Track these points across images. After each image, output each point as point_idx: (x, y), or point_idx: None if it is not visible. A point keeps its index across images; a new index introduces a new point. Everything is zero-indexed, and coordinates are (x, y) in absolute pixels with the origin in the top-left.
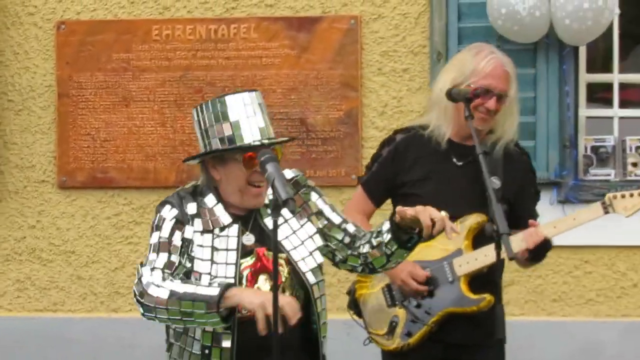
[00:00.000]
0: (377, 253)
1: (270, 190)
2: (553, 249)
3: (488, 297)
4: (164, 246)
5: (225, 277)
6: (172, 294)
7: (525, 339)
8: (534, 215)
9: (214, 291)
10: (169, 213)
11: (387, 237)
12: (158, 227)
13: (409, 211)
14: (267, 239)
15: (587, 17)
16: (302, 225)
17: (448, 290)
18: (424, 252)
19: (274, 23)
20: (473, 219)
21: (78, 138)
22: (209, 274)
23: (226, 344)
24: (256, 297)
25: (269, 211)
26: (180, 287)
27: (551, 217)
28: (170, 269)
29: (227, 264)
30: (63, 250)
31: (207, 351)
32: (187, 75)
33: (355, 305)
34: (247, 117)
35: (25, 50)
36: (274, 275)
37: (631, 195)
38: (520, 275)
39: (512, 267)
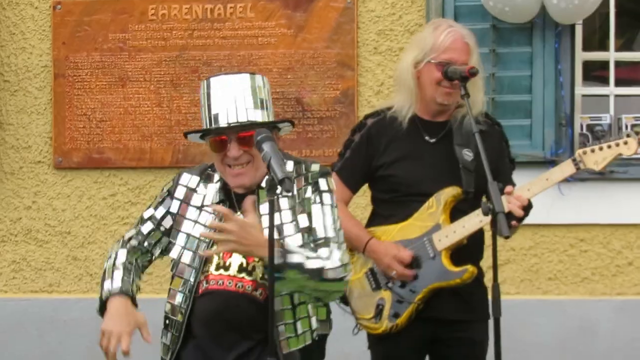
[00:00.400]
0: None
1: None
2: (548, 228)
3: (470, 267)
4: (141, 219)
5: (197, 252)
6: (107, 260)
7: (521, 317)
8: (511, 182)
9: (104, 296)
10: (165, 190)
11: None
12: (156, 199)
13: None
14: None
15: None
16: (292, 221)
17: (431, 266)
18: (404, 230)
19: (271, 2)
20: (448, 193)
21: (74, 118)
22: (184, 246)
23: (179, 317)
24: (112, 322)
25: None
26: (108, 264)
27: (546, 199)
28: (138, 236)
29: (200, 239)
30: (59, 231)
31: (167, 322)
32: (183, 55)
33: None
34: (230, 99)
35: (22, 30)
36: (269, 261)
37: (600, 148)
38: (516, 254)
39: (507, 246)
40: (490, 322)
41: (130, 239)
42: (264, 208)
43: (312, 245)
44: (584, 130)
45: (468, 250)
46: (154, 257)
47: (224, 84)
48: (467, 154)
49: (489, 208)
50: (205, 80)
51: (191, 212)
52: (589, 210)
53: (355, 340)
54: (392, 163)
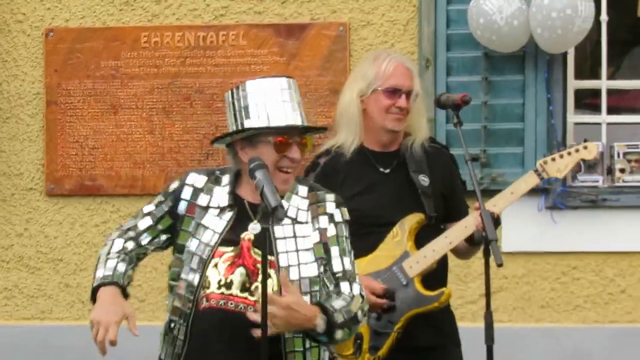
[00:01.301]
0: None
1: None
2: (540, 255)
3: (446, 290)
4: (141, 213)
5: (200, 257)
6: (103, 246)
7: (514, 345)
8: (464, 204)
9: (95, 282)
10: (171, 188)
11: None
12: (160, 196)
13: None
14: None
15: (555, 25)
16: (304, 235)
17: (405, 294)
18: (372, 263)
19: (263, 30)
20: (411, 220)
21: (66, 145)
22: (188, 249)
23: (181, 335)
24: (101, 312)
25: (285, 220)
26: (103, 251)
27: (539, 226)
28: (135, 229)
29: (207, 244)
30: (51, 258)
31: (172, 325)
32: (175, 82)
33: None
34: (282, 101)
35: (14, 57)
36: (262, 282)
37: (561, 156)
38: (508, 282)
39: (500, 274)
40: (481, 350)
41: (128, 230)
42: (278, 231)
43: (328, 275)
44: None
45: (436, 275)
46: (148, 252)
47: (278, 85)
48: (424, 180)
49: (482, 236)
50: (247, 82)
51: (197, 212)
52: (581, 238)
53: None
54: (352, 198)
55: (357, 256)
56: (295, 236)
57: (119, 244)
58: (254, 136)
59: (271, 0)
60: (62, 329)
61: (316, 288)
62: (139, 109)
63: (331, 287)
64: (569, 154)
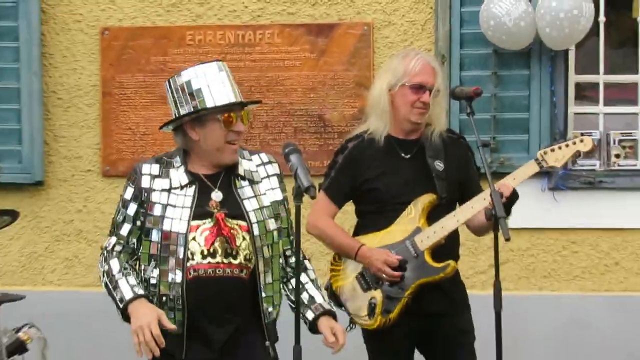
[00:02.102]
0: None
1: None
2: (543, 231)
3: (452, 263)
4: (116, 224)
5: (178, 233)
6: (103, 274)
7: (519, 311)
8: (479, 188)
9: (121, 302)
10: (128, 190)
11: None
12: (123, 202)
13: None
14: (233, 202)
15: (563, 25)
16: (266, 192)
17: (415, 264)
18: (387, 237)
19: (295, 29)
20: (424, 199)
21: (120, 132)
22: (161, 228)
23: (178, 306)
24: (138, 320)
25: (243, 182)
26: (107, 278)
27: (542, 205)
28: (120, 241)
29: (180, 219)
30: (107, 232)
31: (164, 299)
32: None
33: (334, 297)
34: (222, 82)
35: (73, 53)
36: (295, 264)
37: (559, 147)
38: (514, 254)
39: (507, 247)
40: (490, 315)
41: (113, 247)
42: (243, 192)
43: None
44: None
45: (446, 249)
46: (138, 252)
47: (216, 69)
48: (439, 165)
49: (492, 213)
50: (183, 72)
51: (161, 196)
52: (579, 216)
53: (351, 337)
54: (375, 178)
55: (376, 229)
56: (255, 195)
57: (115, 263)
58: (202, 116)
59: (303, 2)
60: None
61: (277, 240)
62: None
63: (287, 244)
64: (567, 146)
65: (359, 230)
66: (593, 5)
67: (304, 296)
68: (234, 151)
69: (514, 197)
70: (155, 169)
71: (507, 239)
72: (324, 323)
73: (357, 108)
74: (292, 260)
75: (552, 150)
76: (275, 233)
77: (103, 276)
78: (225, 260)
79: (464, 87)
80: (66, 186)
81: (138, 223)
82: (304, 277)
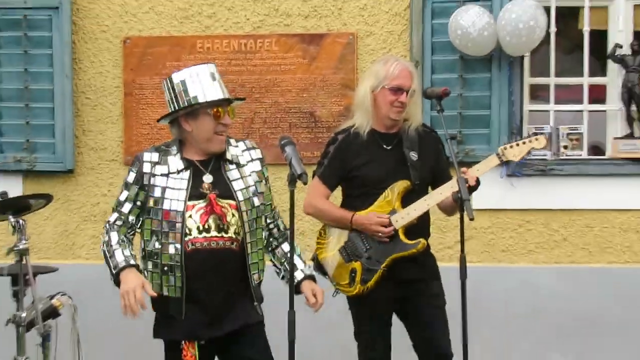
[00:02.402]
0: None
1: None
2: (502, 212)
3: (422, 240)
4: (119, 203)
5: (177, 211)
6: (104, 243)
7: (481, 280)
8: (449, 176)
9: (114, 269)
10: (131, 174)
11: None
12: (125, 184)
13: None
14: (223, 183)
15: (522, 34)
16: (250, 173)
17: (391, 241)
18: None
19: (290, 38)
20: (400, 185)
21: (139, 127)
22: (161, 208)
23: (177, 274)
24: (125, 285)
25: (230, 166)
26: (105, 247)
27: (501, 189)
28: (121, 217)
29: (178, 200)
30: None
31: (165, 268)
32: (223, 78)
33: (319, 267)
34: (212, 81)
35: (99, 59)
36: (290, 240)
37: (517, 144)
38: (477, 232)
39: (470, 226)
40: (456, 283)
41: (115, 221)
42: (231, 174)
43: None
44: None
45: (418, 228)
46: (136, 229)
47: (206, 70)
48: (414, 155)
49: (458, 197)
50: (178, 72)
51: (160, 180)
52: (533, 199)
53: (337, 303)
54: (361, 166)
55: (358, 209)
56: (241, 177)
57: (114, 236)
58: (195, 110)
59: (297, 15)
60: None
61: (260, 214)
62: None
63: (270, 218)
64: (524, 143)
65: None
66: (546, 17)
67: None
68: (221, 141)
69: (477, 185)
70: (155, 156)
71: (471, 219)
72: (306, 285)
73: (343, 106)
74: (275, 230)
75: (511, 146)
76: (259, 208)
77: (103, 245)
78: (218, 235)
79: (434, 88)
80: (93, 174)
81: (138, 203)
82: (286, 246)
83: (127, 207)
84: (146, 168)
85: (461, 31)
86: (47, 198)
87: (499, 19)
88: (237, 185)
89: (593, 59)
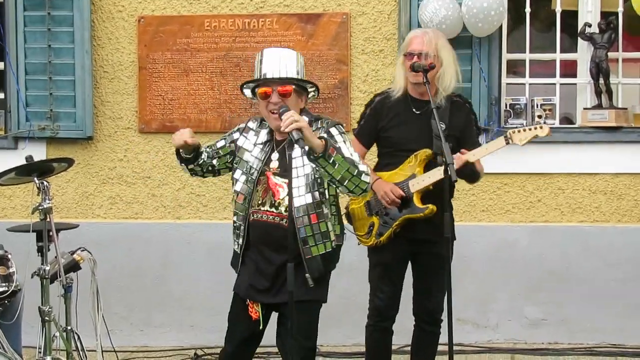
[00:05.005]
0: None
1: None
2: (484, 175)
3: (431, 206)
4: (218, 140)
5: (247, 181)
6: None
7: (464, 238)
8: (477, 144)
9: None
10: (234, 133)
11: None
12: (227, 134)
13: None
14: (284, 162)
15: (478, 19)
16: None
17: (406, 204)
18: (392, 177)
19: (290, 18)
20: (423, 153)
21: (152, 98)
22: (244, 170)
23: (242, 233)
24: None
25: (294, 147)
26: None
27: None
28: (211, 147)
29: (251, 171)
30: (142, 176)
31: (237, 231)
32: (229, 54)
33: (348, 216)
34: (277, 62)
35: (116, 36)
36: (289, 198)
37: (524, 130)
38: (459, 194)
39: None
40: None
41: (208, 147)
42: (295, 152)
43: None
44: (508, 108)
45: (433, 194)
46: (212, 163)
47: (275, 52)
48: (441, 125)
49: (443, 160)
50: (260, 52)
51: (249, 145)
52: (510, 163)
53: (358, 252)
54: (391, 127)
55: (385, 169)
56: (302, 155)
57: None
58: (256, 88)
59: None
60: (150, 226)
61: (313, 190)
62: (204, 72)
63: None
64: (530, 129)
65: (376, 168)
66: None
67: None
68: (275, 118)
69: (471, 167)
70: (255, 125)
71: (455, 181)
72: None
73: (338, 79)
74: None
75: (519, 131)
76: (311, 185)
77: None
78: (269, 209)
79: (420, 62)
80: (110, 140)
81: (227, 149)
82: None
83: (219, 144)
84: (245, 131)
85: (429, 23)
86: (69, 162)
87: (462, 6)
88: (295, 163)
89: (565, 36)
